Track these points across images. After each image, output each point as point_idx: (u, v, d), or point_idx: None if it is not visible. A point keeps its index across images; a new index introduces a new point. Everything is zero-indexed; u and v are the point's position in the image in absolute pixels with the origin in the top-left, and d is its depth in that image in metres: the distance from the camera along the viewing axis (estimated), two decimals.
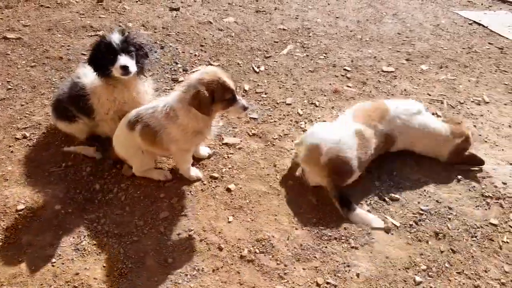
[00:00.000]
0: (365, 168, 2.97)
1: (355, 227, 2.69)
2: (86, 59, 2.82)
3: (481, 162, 3.15)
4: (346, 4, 6.28)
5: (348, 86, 4.20)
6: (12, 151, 3.11)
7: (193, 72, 2.58)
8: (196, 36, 4.91)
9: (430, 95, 4.11)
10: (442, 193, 2.96)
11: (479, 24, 5.86)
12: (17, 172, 2.94)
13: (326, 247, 2.56)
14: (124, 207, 2.73)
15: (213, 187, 2.94)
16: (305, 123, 3.59)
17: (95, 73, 2.76)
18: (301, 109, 3.78)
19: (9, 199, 2.73)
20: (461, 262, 2.51)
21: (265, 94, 3.98)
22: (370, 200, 2.88)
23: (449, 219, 2.77)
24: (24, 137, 3.23)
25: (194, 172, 2.97)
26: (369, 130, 2.95)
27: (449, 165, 3.19)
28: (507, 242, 2.62)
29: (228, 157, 3.20)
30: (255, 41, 4.94)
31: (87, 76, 2.89)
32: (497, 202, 2.90)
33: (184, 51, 4.60)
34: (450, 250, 2.57)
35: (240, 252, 2.50)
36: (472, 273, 2.44)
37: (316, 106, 3.84)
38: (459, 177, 3.09)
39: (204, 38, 4.89)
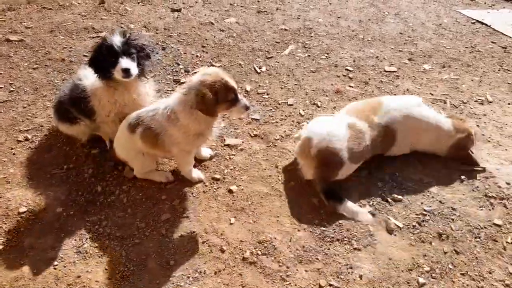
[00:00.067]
0: (365, 164, 2.96)
1: (357, 228, 2.67)
2: (87, 61, 2.81)
3: (475, 164, 3.15)
4: (348, 3, 6.25)
5: (350, 86, 4.18)
6: (14, 154, 3.11)
7: (194, 73, 2.55)
8: (197, 37, 4.91)
9: (433, 94, 4.09)
10: (445, 194, 2.94)
11: (482, 23, 5.82)
12: (19, 175, 2.94)
13: (328, 249, 2.54)
14: (126, 209, 2.73)
15: (215, 189, 2.93)
16: (307, 123, 3.57)
17: (96, 75, 2.75)
18: (303, 110, 3.77)
19: (11, 201, 2.74)
20: (465, 263, 2.49)
21: (267, 94, 3.97)
22: (373, 201, 2.86)
23: (453, 219, 2.75)
24: (26, 139, 3.24)
25: (196, 173, 2.96)
26: (363, 123, 2.95)
27: (452, 166, 3.17)
28: (511, 243, 2.60)
29: (230, 158, 3.20)
30: (256, 41, 4.93)
31: (88, 78, 2.89)
32: (501, 203, 2.88)
33: (186, 52, 4.60)
34: (454, 251, 2.56)
35: (242, 254, 2.49)
36: (476, 275, 2.43)
37: (318, 107, 3.83)
38: (462, 177, 3.07)
39: (206, 39, 4.89)
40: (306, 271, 2.42)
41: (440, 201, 2.88)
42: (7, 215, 2.65)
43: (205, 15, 5.45)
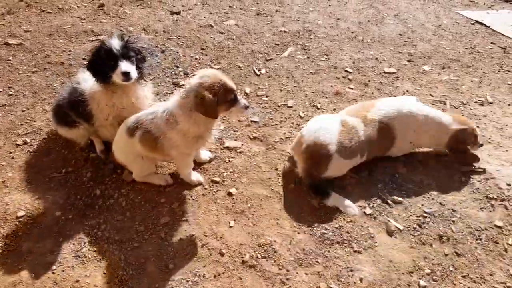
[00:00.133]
0: (365, 166, 2.96)
1: (358, 230, 2.66)
2: (85, 64, 2.80)
3: (474, 159, 3.14)
4: (347, 5, 6.25)
5: (349, 88, 4.18)
6: (12, 157, 3.11)
7: (193, 76, 2.54)
8: (197, 40, 4.90)
9: (432, 96, 4.08)
10: (446, 195, 2.93)
11: (482, 24, 5.81)
12: (17, 178, 2.93)
13: (328, 251, 2.53)
14: (124, 213, 2.72)
15: (214, 192, 2.92)
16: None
17: (94, 78, 2.74)
18: (303, 112, 3.76)
19: (10, 205, 2.73)
20: (466, 266, 2.47)
21: (266, 97, 3.97)
22: (373, 203, 2.85)
23: (453, 221, 2.74)
24: (25, 143, 3.23)
25: (195, 176, 2.95)
26: (356, 119, 2.98)
27: (453, 167, 3.16)
28: None
29: (229, 161, 3.19)
30: (256, 43, 4.93)
31: (87, 81, 2.88)
32: (502, 204, 2.86)
33: (185, 54, 4.59)
34: (455, 253, 2.54)
35: (242, 257, 2.48)
36: (477, 277, 2.41)
37: (318, 109, 3.82)
38: (463, 179, 3.06)
39: (205, 42, 4.88)
40: (306, 274, 2.40)
41: (440, 203, 2.86)
42: (5, 220, 2.64)
43: (204, 17, 5.45)
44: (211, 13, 5.59)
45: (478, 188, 2.98)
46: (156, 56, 4.49)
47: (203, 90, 2.39)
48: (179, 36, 4.94)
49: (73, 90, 2.92)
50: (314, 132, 2.87)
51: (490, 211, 2.82)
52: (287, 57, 4.70)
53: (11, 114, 3.52)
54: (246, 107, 2.60)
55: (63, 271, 2.37)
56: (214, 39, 4.96)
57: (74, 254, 2.46)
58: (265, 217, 2.75)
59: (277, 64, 4.54)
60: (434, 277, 2.40)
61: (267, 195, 2.91)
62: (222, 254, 2.49)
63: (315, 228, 2.67)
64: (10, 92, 3.78)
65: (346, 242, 2.59)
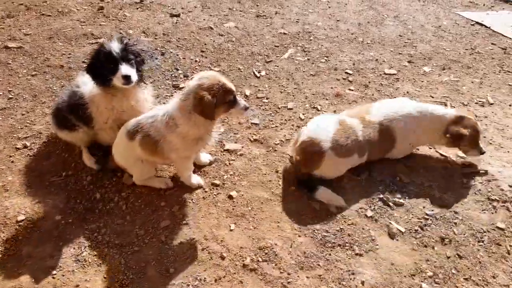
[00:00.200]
0: (366, 168, 2.97)
1: (359, 233, 2.65)
2: (84, 67, 2.79)
3: (462, 136, 2.97)
4: (347, 7, 6.25)
5: (350, 90, 4.17)
6: (12, 161, 3.10)
7: (192, 78, 2.53)
8: (196, 42, 4.90)
9: (433, 97, 4.07)
10: (447, 197, 2.92)
11: (482, 25, 5.81)
12: (17, 182, 2.92)
13: (330, 255, 2.52)
14: (125, 217, 2.71)
15: (214, 195, 2.91)
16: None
17: (93, 81, 2.74)
18: (303, 114, 3.75)
19: (9, 210, 2.71)
20: (468, 268, 2.46)
21: (266, 99, 3.96)
22: (374, 206, 2.84)
23: (455, 223, 2.72)
24: (25, 146, 3.22)
25: (196, 179, 2.94)
26: (355, 120, 3.00)
27: (454, 169, 3.15)
28: None
29: (229, 163, 3.18)
30: (255, 45, 4.92)
31: (86, 84, 2.87)
32: (504, 206, 2.85)
33: (185, 57, 4.59)
34: (457, 256, 2.53)
35: (243, 260, 2.46)
36: (480, 279, 2.40)
37: (318, 110, 3.81)
38: (464, 180, 3.05)
39: (205, 44, 4.88)
40: (307, 277, 2.39)
41: (442, 205, 2.85)
42: (5, 224, 2.63)
43: (204, 20, 5.45)
44: (211, 15, 5.59)
45: (480, 190, 2.97)
46: (156, 58, 4.49)
47: (201, 91, 2.38)
48: (179, 38, 4.93)
49: (73, 94, 2.91)
50: (310, 130, 2.92)
51: (492, 213, 2.80)
52: (287, 59, 4.69)
53: (11, 118, 3.51)
54: (246, 109, 2.59)
55: (63, 275, 2.35)
56: (214, 41, 4.95)
57: (74, 258, 2.45)
58: (265, 220, 2.74)
59: (277, 66, 4.54)
60: (436, 280, 2.39)
61: (268, 198, 2.90)
62: (222, 258, 2.47)
63: (316, 231, 2.66)
64: (10, 96, 3.78)
65: (347, 245, 2.58)
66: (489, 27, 5.72)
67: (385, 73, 4.48)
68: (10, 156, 3.13)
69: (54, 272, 2.37)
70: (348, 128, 2.92)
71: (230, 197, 2.89)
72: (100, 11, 5.43)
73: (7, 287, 2.27)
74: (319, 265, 2.46)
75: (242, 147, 3.34)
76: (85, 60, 4.24)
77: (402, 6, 6.41)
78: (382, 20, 5.85)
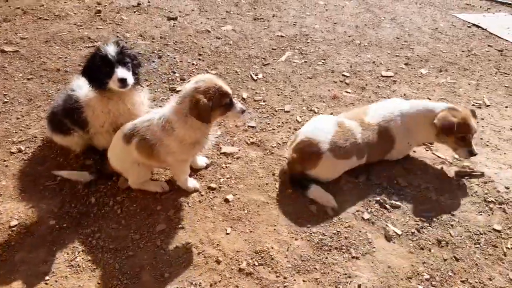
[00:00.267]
0: (363, 170, 2.95)
1: (356, 236, 2.63)
2: (80, 70, 2.78)
3: (450, 122, 2.89)
4: (344, 9, 6.26)
5: (347, 92, 4.16)
6: (6, 166, 3.07)
7: (188, 81, 2.53)
8: (194, 45, 4.90)
9: (430, 99, 4.06)
10: (444, 199, 2.91)
11: (478, 27, 5.82)
12: (11, 187, 2.90)
13: (326, 258, 2.50)
14: (120, 221, 2.69)
15: (211, 198, 2.89)
16: None
17: (89, 85, 2.72)
18: (300, 116, 3.74)
19: (3, 215, 2.69)
20: (465, 270, 2.45)
21: (264, 101, 3.95)
22: (371, 208, 2.82)
23: (452, 226, 2.71)
24: (20, 151, 3.20)
25: (192, 183, 2.92)
26: (353, 122, 3.00)
27: (450, 171, 3.14)
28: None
29: (226, 166, 3.16)
30: (253, 48, 4.92)
31: (82, 88, 2.86)
32: (500, 207, 2.84)
33: (182, 60, 4.58)
34: (453, 258, 2.51)
35: (239, 265, 2.44)
36: (477, 282, 2.38)
37: (315, 113, 3.80)
38: (461, 182, 3.04)
39: (202, 47, 4.87)
40: (304, 281, 2.37)
41: (438, 207, 2.84)
42: None
43: (202, 23, 5.45)
44: (208, 18, 5.59)
45: (476, 192, 2.96)
46: (153, 62, 4.48)
47: (197, 94, 2.37)
48: (176, 41, 4.93)
49: (68, 97, 2.90)
50: (308, 130, 2.94)
51: (489, 215, 2.79)
52: (284, 62, 4.69)
53: (6, 122, 3.49)
54: (243, 112, 2.58)
55: (56, 281, 2.33)
56: (211, 44, 4.95)
57: (68, 263, 2.42)
58: (262, 223, 2.72)
59: (274, 68, 4.53)
60: (433, 283, 2.37)
61: (264, 201, 2.88)
62: (218, 262, 2.46)
63: (312, 234, 2.64)
64: (5, 100, 3.76)
65: (344, 248, 2.56)
66: (485, 29, 5.73)
67: (382, 76, 4.48)
68: (4, 161, 3.11)
69: (47, 277, 2.34)
70: (347, 130, 2.92)
71: (227, 200, 2.87)
72: (97, 14, 5.43)
73: None
74: (315, 268, 2.44)
75: (239, 150, 3.33)
76: (82, 64, 4.23)
77: (399, 8, 6.42)
78: (379, 23, 5.86)
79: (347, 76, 4.44)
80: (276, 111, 3.82)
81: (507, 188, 2.97)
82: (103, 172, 2.94)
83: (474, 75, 4.57)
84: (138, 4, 5.77)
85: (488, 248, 2.57)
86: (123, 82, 2.66)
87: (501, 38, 5.49)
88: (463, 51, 5.12)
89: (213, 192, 2.94)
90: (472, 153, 2.96)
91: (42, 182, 2.95)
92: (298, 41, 5.17)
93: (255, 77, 4.34)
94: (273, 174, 3.10)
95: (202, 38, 5.08)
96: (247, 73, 4.41)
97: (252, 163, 3.20)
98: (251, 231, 2.66)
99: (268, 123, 3.65)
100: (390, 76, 4.47)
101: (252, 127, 3.59)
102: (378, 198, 2.89)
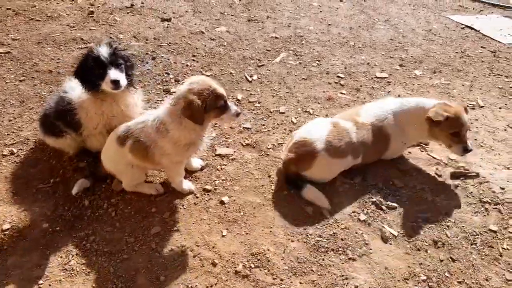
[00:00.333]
0: (359, 171, 2.94)
1: (352, 237, 2.63)
2: (72, 72, 2.74)
3: (440, 116, 2.85)
4: (338, 11, 6.28)
5: (341, 93, 4.16)
6: None
7: (182, 83, 2.50)
8: (188, 46, 4.87)
9: None
10: (440, 200, 2.91)
11: (471, 28, 5.87)
12: (3, 190, 2.84)
13: (323, 260, 2.49)
14: (114, 224, 2.65)
15: (206, 200, 2.87)
16: None
17: (82, 86, 2.69)
18: (295, 118, 3.73)
19: None
20: (461, 271, 2.45)
21: (259, 103, 3.94)
22: (367, 209, 2.82)
23: (448, 226, 2.72)
24: (12, 153, 3.15)
25: (187, 185, 2.90)
26: (348, 122, 3.01)
27: (446, 172, 3.15)
28: (508, 249, 2.57)
29: (221, 168, 3.14)
30: (247, 50, 4.91)
31: (74, 90, 2.83)
32: (496, 208, 2.85)
33: (176, 61, 4.55)
34: (450, 259, 2.52)
35: (235, 267, 2.42)
36: (473, 282, 2.39)
37: (310, 114, 3.80)
38: (456, 183, 3.05)
39: (196, 48, 4.85)
40: (300, 283, 2.36)
41: (434, 208, 2.84)
42: None
43: (196, 24, 5.42)
44: (202, 19, 5.57)
45: (471, 193, 2.97)
46: (147, 63, 4.45)
47: (191, 95, 2.35)
48: (170, 43, 4.90)
49: (60, 99, 2.86)
50: (304, 131, 2.97)
51: (485, 215, 2.80)
52: (279, 63, 4.68)
53: None
54: (237, 114, 2.56)
55: (50, 285, 2.29)
56: (205, 45, 4.93)
57: (62, 267, 2.38)
58: (258, 225, 2.70)
59: (269, 70, 4.52)
60: (430, 284, 2.37)
61: (260, 202, 2.86)
62: (214, 265, 2.43)
63: (309, 236, 2.63)
64: None
65: (340, 249, 2.55)
66: (478, 31, 5.78)
67: (376, 77, 4.49)
68: None
69: (41, 282, 2.30)
70: (342, 130, 2.93)
71: (222, 202, 2.85)
72: (90, 15, 5.38)
73: None
74: (312, 270, 2.42)
75: (234, 151, 3.31)
76: (74, 65, 4.18)
77: (393, 10, 6.45)
78: (373, 24, 5.88)
79: (341, 78, 4.44)
80: (271, 112, 3.81)
81: (502, 188, 2.98)
82: (97, 175, 2.90)
83: (467, 76, 4.60)
84: (132, 5, 5.74)
85: (484, 248, 2.58)
86: (115, 83, 2.63)
87: (494, 39, 5.54)
88: (456, 52, 5.15)
89: (208, 194, 2.92)
90: (467, 149, 2.91)
91: (35, 184, 2.90)
92: (293, 42, 5.17)
93: (249, 79, 4.32)
94: (269, 176, 3.09)
95: (196, 39, 5.06)
96: (242, 75, 4.40)
97: (248, 165, 3.18)
98: (247, 233, 2.64)
99: (263, 125, 3.63)
100: (385, 78, 4.49)
101: (247, 128, 3.58)
102: (374, 199, 2.89)
